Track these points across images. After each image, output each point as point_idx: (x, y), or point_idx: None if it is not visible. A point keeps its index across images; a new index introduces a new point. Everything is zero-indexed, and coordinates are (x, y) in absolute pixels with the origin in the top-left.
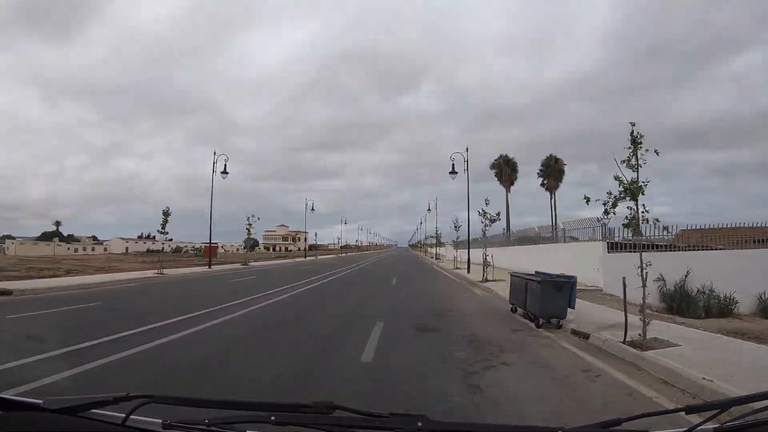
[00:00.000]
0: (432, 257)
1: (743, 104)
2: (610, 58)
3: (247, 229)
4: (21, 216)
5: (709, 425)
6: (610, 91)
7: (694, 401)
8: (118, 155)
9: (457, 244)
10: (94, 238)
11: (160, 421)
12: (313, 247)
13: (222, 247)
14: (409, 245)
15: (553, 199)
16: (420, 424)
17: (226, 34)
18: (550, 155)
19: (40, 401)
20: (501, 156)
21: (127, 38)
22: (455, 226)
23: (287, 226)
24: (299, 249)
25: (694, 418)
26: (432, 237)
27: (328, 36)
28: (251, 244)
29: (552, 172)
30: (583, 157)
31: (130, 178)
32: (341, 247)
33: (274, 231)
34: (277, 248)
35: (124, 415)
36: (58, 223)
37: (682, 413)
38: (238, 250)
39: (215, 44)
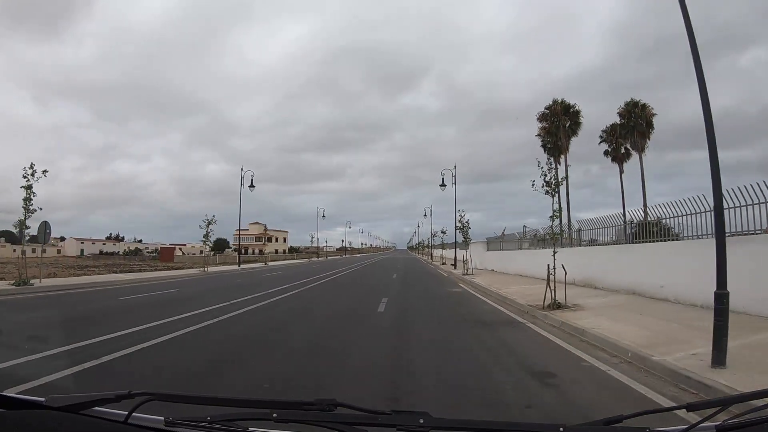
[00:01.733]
0: (441, 262)
1: (749, 101)
2: (614, 54)
3: (25, 206)
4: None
5: (710, 423)
6: (613, 88)
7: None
8: (114, 157)
9: (544, 238)
10: (62, 239)
11: (162, 418)
12: (294, 250)
13: (180, 248)
14: (408, 247)
15: (638, 172)
16: (422, 420)
17: (221, 30)
18: (631, 100)
19: (42, 399)
20: (555, 102)
21: (120, 35)
22: (546, 185)
23: (263, 225)
24: (276, 251)
25: (695, 416)
26: (441, 233)
27: (326, 32)
28: (219, 245)
29: (636, 125)
30: (584, 157)
31: (128, 180)
32: (336, 249)
33: (246, 230)
34: (250, 250)
35: (126, 413)
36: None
37: (683, 411)
38: (201, 252)
39: (210, 41)
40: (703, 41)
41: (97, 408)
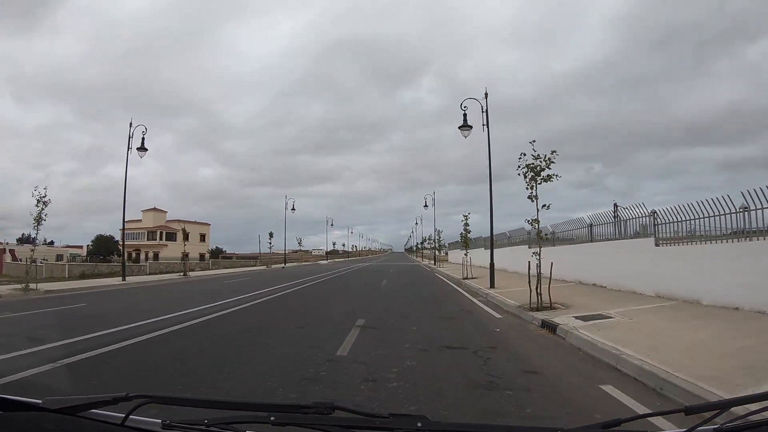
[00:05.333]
0: (460, 273)
1: (756, 95)
2: (620, 48)
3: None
4: (13, 225)
5: (709, 426)
6: (619, 83)
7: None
8: (104, 160)
9: None
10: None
11: (160, 421)
12: (218, 253)
13: (12, 252)
14: (405, 249)
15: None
16: (419, 424)
17: (211, 25)
18: None
19: (39, 401)
20: None
21: (105, 31)
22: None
23: (164, 213)
24: (187, 255)
25: (694, 419)
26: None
27: (321, 24)
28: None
29: None
30: (586, 156)
31: (121, 184)
32: (327, 252)
33: (139, 222)
34: (143, 253)
35: (123, 415)
36: None
37: (681, 414)
38: (87, 258)
39: (199, 36)
40: (715, 33)
41: (94, 410)
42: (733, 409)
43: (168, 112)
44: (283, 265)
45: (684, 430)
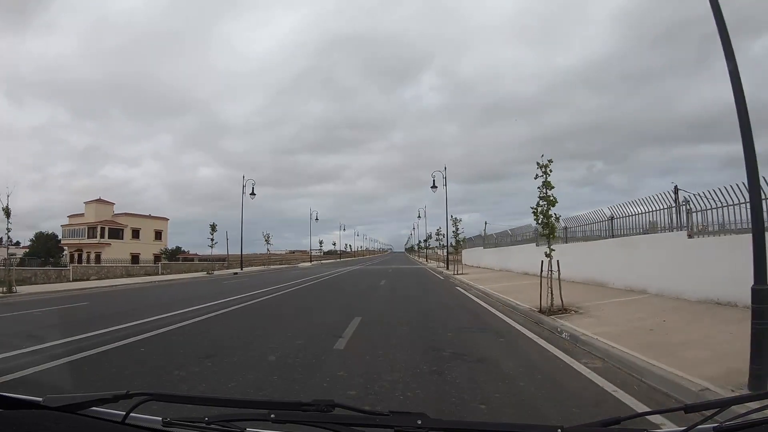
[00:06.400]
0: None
1: (761, 91)
2: (624, 43)
3: None
4: (12, 227)
5: (709, 424)
6: (621, 80)
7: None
8: (103, 161)
9: None
10: None
11: (160, 419)
12: (174, 253)
13: None
14: (405, 249)
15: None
16: (419, 422)
17: (208, 21)
18: None
19: (40, 399)
20: None
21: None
22: None
23: (111, 205)
24: (135, 258)
25: (693, 417)
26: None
27: (321, 20)
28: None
29: None
30: (588, 153)
31: (120, 185)
32: (324, 253)
33: (81, 216)
34: (84, 253)
35: (124, 413)
36: None
37: (681, 412)
38: (22, 261)
39: (197, 34)
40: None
41: (94, 408)
42: (732, 407)
43: (166, 112)
44: (236, 270)
45: (683, 428)
